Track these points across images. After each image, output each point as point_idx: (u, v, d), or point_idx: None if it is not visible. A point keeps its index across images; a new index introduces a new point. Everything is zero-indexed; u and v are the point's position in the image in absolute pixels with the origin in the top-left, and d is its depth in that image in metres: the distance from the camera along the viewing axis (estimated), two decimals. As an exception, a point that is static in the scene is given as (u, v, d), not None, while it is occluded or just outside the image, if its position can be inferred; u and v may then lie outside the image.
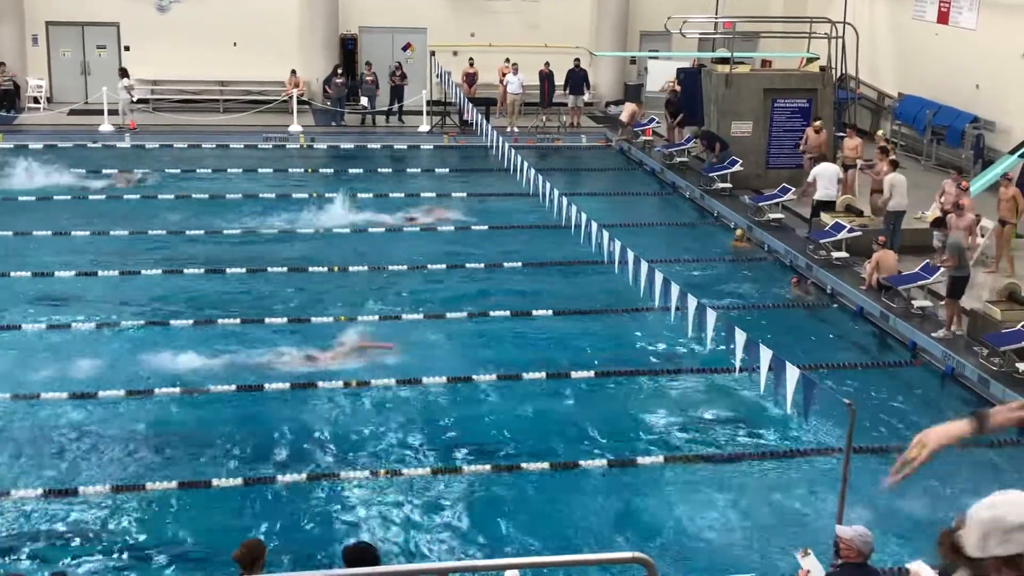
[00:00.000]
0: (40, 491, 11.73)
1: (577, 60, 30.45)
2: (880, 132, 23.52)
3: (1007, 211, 18.24)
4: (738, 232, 21.44)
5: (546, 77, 30.47)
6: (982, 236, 18.61)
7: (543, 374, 14.90)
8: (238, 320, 16.55)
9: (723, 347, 12.06)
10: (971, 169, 23.10)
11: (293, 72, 30.43)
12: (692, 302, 12.72)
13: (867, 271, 17.62)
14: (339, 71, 30.34)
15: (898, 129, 27.01)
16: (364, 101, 30.24)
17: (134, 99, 28.96)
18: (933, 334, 15.75)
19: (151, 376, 14.52)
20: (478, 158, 26.60)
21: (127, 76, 29.00)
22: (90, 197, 22.88)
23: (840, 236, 18.96)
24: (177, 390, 14.09)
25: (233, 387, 14.25)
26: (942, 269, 16.09)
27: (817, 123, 22.86)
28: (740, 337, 11.37)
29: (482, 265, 19.42)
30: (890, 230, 18.72)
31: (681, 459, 12.89)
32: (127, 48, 31.21)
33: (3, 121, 28.56)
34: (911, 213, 19.88)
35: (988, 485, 11.47)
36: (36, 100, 30.12)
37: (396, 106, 30.39)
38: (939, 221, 18.30)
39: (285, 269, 18.82)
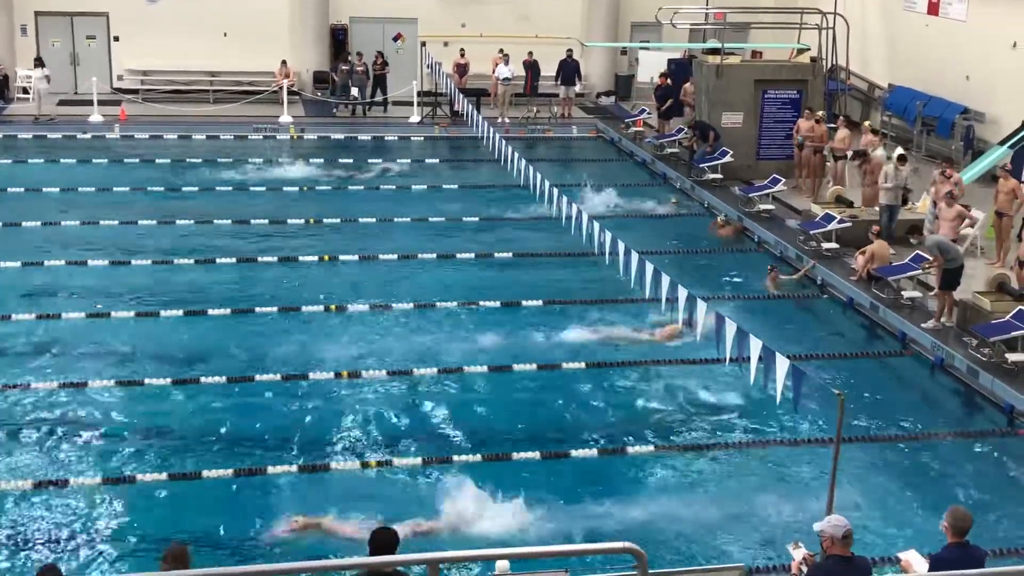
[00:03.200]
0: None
1: (570, 51, 30.41)
2: (867, 123, 23.50)
3: (1005, 203, 18.17)
4: (720, 220, 21.56)
5: (530, 67, 30.43)
6: (971, 227, 18.64)
7: (533, 365, 14.91)
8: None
9: (713, 338, 12.06)
10: (961, 160, 23.14)
11: (283, 63, 30.36)
12: (682, 293, 12.74)
13: (859, 263, 17.62)
14: (348, 58, 30.28)
15: (888, 120, 27.04)
16: (355, 92, 30.19)
17: (48, 89, 28.50)
18: (923, 325, 15.79)
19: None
20: (469, 149, 26.61)
21: (43, 65, 28.59)
22: (79, 190, 22.80)
23: (830, 227, 18.99)
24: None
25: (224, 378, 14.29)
26: (932, 271, 16.14)
27: (820, 113, 22.86)
28: (730, 328, 11.40)
29: (472, 255, 19.43)
30: (885, 222, 18.74)
31: (671, 449, 12.93)
32: (116, 38, 31.10)
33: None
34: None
35: (979, 475, 11.51)
36: (25, 91, 29.98)
37: (380, 96, 30.37)
38: (914, 228, 18.32)
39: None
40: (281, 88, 29.42)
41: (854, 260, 17.94)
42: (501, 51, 30.54)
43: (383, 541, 7.55)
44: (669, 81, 27.53)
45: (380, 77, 30.40)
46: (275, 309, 16.64)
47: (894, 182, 18.92)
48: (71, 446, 12.59)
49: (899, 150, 20.66)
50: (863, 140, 21.50)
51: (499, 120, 28.68)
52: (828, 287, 18.07)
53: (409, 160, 26.52)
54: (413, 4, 31.74)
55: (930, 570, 8.05)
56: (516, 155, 19.10)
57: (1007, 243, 18.33)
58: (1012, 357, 14.36)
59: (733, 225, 21.27)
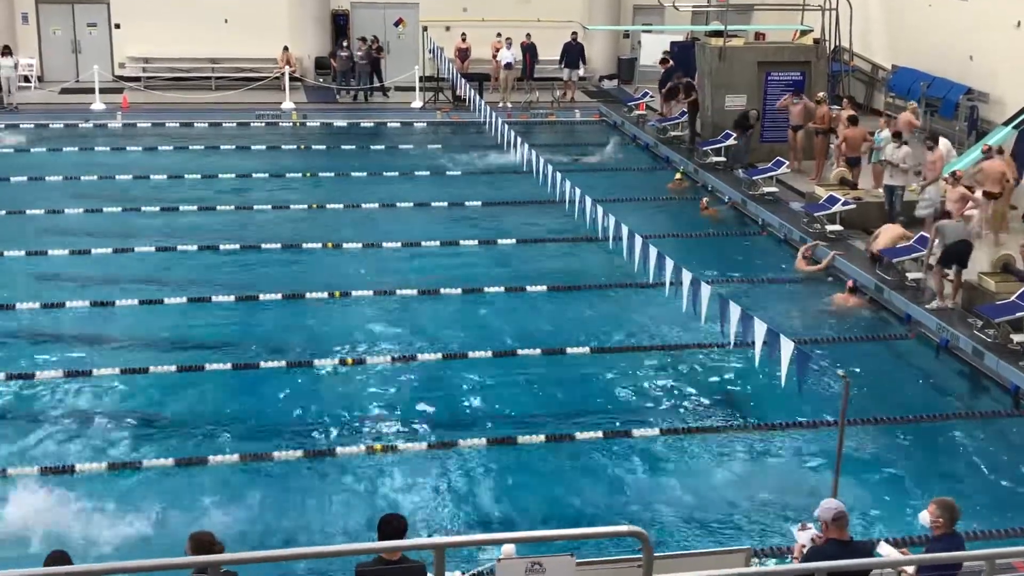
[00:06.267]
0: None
1: (574, 34, 30.32)
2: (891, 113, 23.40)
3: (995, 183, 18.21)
4: (704, 201, 21.69)
5: (527, 49, 30.34)
6: (975, 208, 18.56)
7: (538, 350, 14.90)
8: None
9: (718, 321, 12.05)
10: (965, 141, 23.07)
11: (285, 49, 30.31)
12: (687, 276, 12.72)
13: (872, 246, 17.60)
14: (344, 44, 30.23)
15: (892, 101, 26.95)
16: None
17: (18, 79, 28.34)
18: (927, 305, 15.76)
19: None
20: (472, 134, 26.55)
21: (10, 54, 28.42)
22: (81, 178, 22.76)
23: (834, 209, 18.95)
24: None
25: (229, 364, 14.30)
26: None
27: (821, 94, 22.79)
28: (735, 311, 11.38)
29: (475, 242, 19.40)
30: (889, 203, 18.72)
31: (676, 432, 12.92)
32: (118, 26, 31.05)
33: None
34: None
35: (984, 456, 11.47)
36: (27, 79, 29.93)
37: (377, 82, 30.32)
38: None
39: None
40: (283, 74, 29.38)
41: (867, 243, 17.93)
42: (499, 35, 30.49)
43: (393, 527, 7.57)
44: (671, 64, 27.45)
45: (375, 61, 30.32)
46: (279, 296, 16.65)
47: (894, 162, 18.88)
48: (75, 434, 12.61)
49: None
50: (881, 123, 21.43)
51: (501, 105, 28.62)
52: (833, 269, 18.03)
53: (411, 145, 26.46)
54: (414, -12, 31.68)
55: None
56: (519, 139, 19.06)
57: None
58: (1017, 338, 14.34)
59: (718, 206, 21.37)
